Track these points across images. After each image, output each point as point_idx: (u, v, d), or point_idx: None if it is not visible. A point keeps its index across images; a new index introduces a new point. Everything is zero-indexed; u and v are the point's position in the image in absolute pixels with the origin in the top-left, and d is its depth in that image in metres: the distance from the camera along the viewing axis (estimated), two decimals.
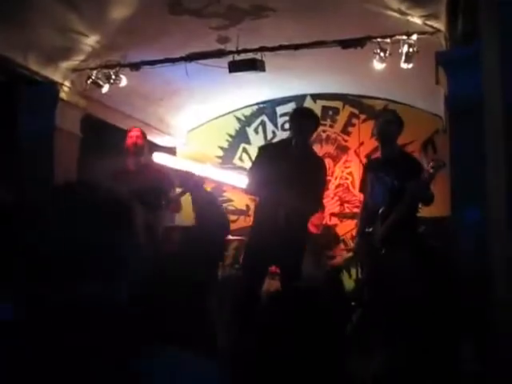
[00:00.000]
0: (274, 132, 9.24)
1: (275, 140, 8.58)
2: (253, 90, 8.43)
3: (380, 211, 5.14)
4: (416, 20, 5.81)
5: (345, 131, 8.90)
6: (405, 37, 5.91)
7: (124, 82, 6.91)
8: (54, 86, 6.94)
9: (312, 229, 7.29)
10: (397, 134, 5.38)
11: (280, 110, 9.20)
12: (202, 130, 9.53)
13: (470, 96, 5.04)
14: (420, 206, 5.37)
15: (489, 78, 2.40)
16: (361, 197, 8.30)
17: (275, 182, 5.15)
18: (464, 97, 5.24)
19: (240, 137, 9.24)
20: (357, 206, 8.23)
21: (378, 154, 6.48)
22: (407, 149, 7.03)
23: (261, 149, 5.67)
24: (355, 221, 7.36)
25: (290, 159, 5.22)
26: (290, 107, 9.07)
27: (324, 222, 7.70)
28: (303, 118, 5.41)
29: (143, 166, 5.89)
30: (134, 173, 5.82)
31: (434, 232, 6.43)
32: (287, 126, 9.05)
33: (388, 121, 5.39)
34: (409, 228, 5.04)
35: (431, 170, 4.81)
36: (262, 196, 5.47)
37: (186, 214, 6.98)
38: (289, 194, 5.06)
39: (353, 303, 6.63)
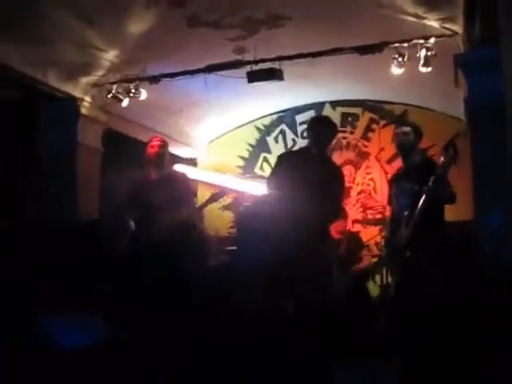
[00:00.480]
0: (294, 140, 9.25)
1: (295, 148, 8.59)
2: (272, 99, 8.45)
3: (404, 215, 5.12)
4: (433, 23, 5.79)
5: (365, 137, 8.89)
6: (422, 41, 5.90)
7: (144, 95, 6.96)
8: (74, 102, 7.02)
9: (336, 235, 7.29)
10: (415, 144, 5.34)
11: (299, 118, 9.21)
12: (222, 140, 9.57)
13: (490, 98, 5.02)
14: (444, 207, 5.28)
15: (508, 80, 2.39)
16: (383, 202, 8.34)
17: (295, 190, 5.17)
18: (484, 98, 5.22)
19: (260, 146, 9.27)
20: (380, 212, 8.22)
21: (398, 160, 6.47)
22: (428, 152, 7.00)
23: (279, 157, 5.67)
24: (378, 227, 7.35)
25: (309, 167, 5.23)
26: (309, 115, 9.07)
27: (347, 229, 7.67)
28: (321, 126, 5.41)
29: (165, 175, 5.88)
30: (156, 182, 5.82)
31: (458, 235, 6.39)
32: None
33: (404, 132, 5.36)
34: (434, 231, 4.99)
35: (443, 165, 4.77)
36: (282, 204, 5.47)
37: None
38: (309, 202, 5.07)
39: (378, 309, 6.61)
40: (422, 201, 4.85)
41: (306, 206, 5.06)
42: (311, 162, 5.30)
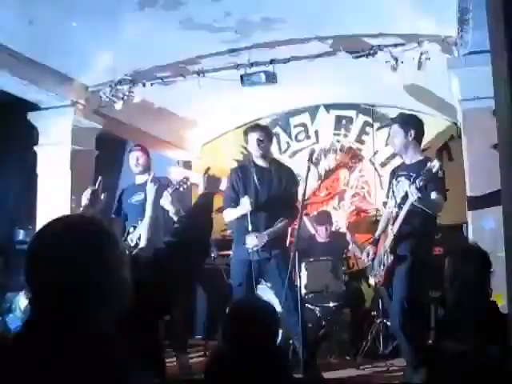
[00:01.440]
0: (288, 143, 9.26)
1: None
2: (266, 102, 8.45)
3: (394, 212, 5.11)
4: (427, 27, 5.80)
5: (359, 140, 8.90)
6: (416, 44, 5.90)
7: (138, 98, 6.96)
8: (68, 105, 6.99)
9: (320, 239, 7.30)
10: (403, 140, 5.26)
11: (294, 121, 9.23)
12: (216, 143, 9.58)
13: (484, 102, 5.04)
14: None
15: (500, 85, 2.40)
16: (378, 205, 8.35)
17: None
18: (477, 102, 5.24)
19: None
20: (374, 215, 8.22)
21: (393, 162, 6.48)
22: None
23: (231, 171, 5.86)
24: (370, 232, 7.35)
25: (253, 179, 5.56)
26: (303, 118, 9.11)
27: (333, 231, 7.64)
28: (253, 134, 5.66)
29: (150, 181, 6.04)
30: (140, 187, 5.96)
31: (450, 239, 6.40)
32: (301, 136, 9.11)
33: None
34: (418, 236, 4.96)
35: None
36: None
37: None
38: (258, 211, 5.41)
39: (373, 313, 6.62)
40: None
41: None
42: (254, 173, 5.59)
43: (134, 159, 6.10)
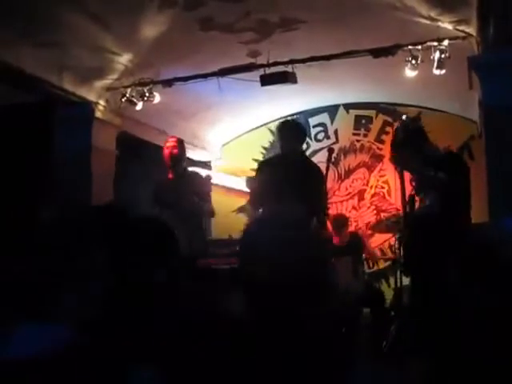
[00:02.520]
0: (307, 143, 9.24)
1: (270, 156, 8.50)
2: (285, 102, 8.46)
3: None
4: (446, 26, 5.77)
5: (379, 140, 8.87)
6: (436, 43, 5.88)
7: (157, 98, 6.99)
8: (89, 106, 7.05)
9: (337, 242, 7.27)
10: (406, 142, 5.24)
11: (313, 120, 9.22)
12: (236, 143, 9.59)
13: (505, 99, 5.01)
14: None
15: None
16: (398, 204, 8.33)
17: (274, 196, 5.29)
18: (498, 101, 5.20)
19: (274, 149, 9.25)
20: (394, 215, 8.18)
21: None
22: None
23: (257, 168, 5.79)
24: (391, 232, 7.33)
25: (282, 174, 5.33)
26: (322, 118, 9.10)
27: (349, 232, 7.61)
28: (284, 131, 5.56)
29: (181, 174, 5.98)
30: (173, 181, 5.91)
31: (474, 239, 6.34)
32: (321, 136, 9.10)
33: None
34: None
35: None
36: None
37: None
38: (287, 207, 5.20)
39: (392, 313, 6.59)
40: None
41: (284, 212, 5.17)
42: (284, 169, 5.39)
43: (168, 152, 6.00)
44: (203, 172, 7.70)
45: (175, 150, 5.95)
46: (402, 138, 5.19)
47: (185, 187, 5.80)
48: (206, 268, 5.80)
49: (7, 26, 5.47)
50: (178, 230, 5.58)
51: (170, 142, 6.00)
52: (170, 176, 5.97)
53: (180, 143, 6.02)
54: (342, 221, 7.48)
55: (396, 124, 8.66)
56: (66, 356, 1.75)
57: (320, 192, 5.51)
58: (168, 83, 6.91)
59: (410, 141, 5.11)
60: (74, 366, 1.74)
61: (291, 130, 5.59)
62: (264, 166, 5.77)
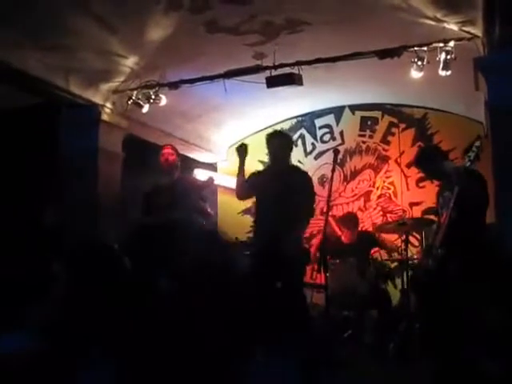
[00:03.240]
0: (313, 144, 9.26)
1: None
2: (291, 103, 8.47)
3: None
4: (452, 27, 5.77)
5: (384, 141, 8.87)
6: (442, 44, 5.87)
7: (164, 101, 7.01)
8: (95, 108, 7.08)
9: (346, 241, 7.28)
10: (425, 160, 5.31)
11: (319, 122, 9.22)
12: None
13: (511, 100, 5.00)
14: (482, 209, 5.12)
15: None
16: (404, 205, 8.37)
17: (263, 204, 5.62)
18: (504, 101, 5.19)
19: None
20: (400, 216, 8.18)
21: None
22: (449, 156, 6.95)
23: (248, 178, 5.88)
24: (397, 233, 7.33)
25: (270, 185, 5.55)
26: (328, 119, 9.10)
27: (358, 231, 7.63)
28: (274, 140, 5.72)
29: (176, 181, 6.11)
30: (167, 188, 6.03)
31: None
32: (326, 138, 9.10)
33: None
34: (468, 231, 4.89)
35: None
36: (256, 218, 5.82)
37: None
38: (275, 213, 5.39)
39: (399, 314, 6.58)
40: (454, 195, 4.79)
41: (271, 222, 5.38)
42: (271, 179, 5.60)
43: (164, 158, 6.17)
44: (207, 174, 7.75)
45: (170, 157, 6.13)
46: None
47: (177, 194, 5.91)
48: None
49: (14, 29, 5.49)
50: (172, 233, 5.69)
51: (166, 150, 6.20)
52: (164, 183, 6.12)
53: (175, 151, 6.21)
54: (352, 219, 7.49)
55: (402, 125, 8.71)
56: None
57: (306, 200, 5.59)
58: (174, 85, 6.92)
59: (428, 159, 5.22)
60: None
61: (278, 140, 5.75)
62: (255, 177, 5.90)
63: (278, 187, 5.51)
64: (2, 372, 1.76)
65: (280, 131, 6.20)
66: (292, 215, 5.40)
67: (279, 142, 5.72)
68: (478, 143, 4.80)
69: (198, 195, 6.18)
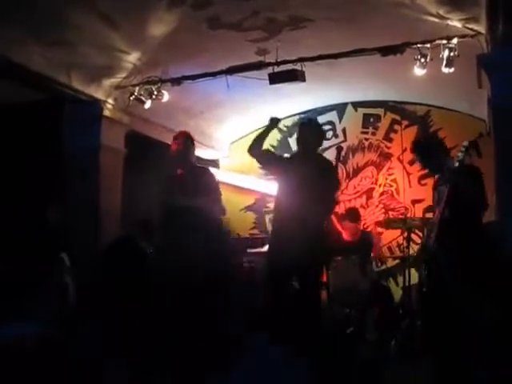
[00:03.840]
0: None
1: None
2: (293, 100, 8.45)
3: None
4: (455, 24, 5.75)
5: (387, 138, 8.85)
6: (445, 41, 5.85)
7: (166, 97, 7.00)
8: (97, 104, 7.07)
9: (347, 238, 7.27)
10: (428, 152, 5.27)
11: (321, 119, 9.16)
12: (244, 141, 9.56)
13: None
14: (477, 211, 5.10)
15: None
16: (406, 203, 8.36)
17: (288, 192, 5.44)
18: (508, 99, 5.18)
19: (282, 147, 9.25)
20: (402, 214, 8.18)
21: None
22: (452, 153, 6.94)
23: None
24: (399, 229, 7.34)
25: (298, 172, 5.41)
26: (331, 116, 9.09)
27: (360, 230, 7.65)
28: (305, 129, 5.61)
29: (189, 169, 5.91)
30: (181, 177, 5.86)
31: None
32: (329, 134, 9.09)
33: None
34: (460, 230, 4.88)
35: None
36: (278, 208, 5.64)
37: None
38: (300, 203, 5.24)
39: (401, 311, 6.59)
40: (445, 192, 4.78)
41: (299, 209, 5.23)
42: (300, 167, 5.45)
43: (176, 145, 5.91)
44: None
45: (180, 146, 5.90)
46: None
47: (195, 183, 5.77)
48: None
49: (16, 25, 5.48)
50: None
51: (178, 137, 5.97)
52: (179, 172, 5.94)
53: (187, 139, 5.97)
54: (352, 214, 7.49)
55: (404, 122, 8.70)
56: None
57: (332, 192, 5.54)
58: (176, 81, 6.91)
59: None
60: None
61: (310, 129, 5.62)
62: (284, 160, 5.83)
63: (308, 175, 5.37)
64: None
65: (313, 120, 6.09)
66: (318, 206, 5.28)
67: (310, 131, 5.61)
68: (465, 143, 4.77)
69: (216, 184, 6.04)
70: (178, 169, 5.92)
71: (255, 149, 5.80)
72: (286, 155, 6.19)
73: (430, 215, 7.59)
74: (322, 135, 5.78)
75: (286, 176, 5.57)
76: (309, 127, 5.66)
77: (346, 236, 7.29)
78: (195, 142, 6.01)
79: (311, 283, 5.25)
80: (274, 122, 5.82)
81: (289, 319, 5.03)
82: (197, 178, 5.82)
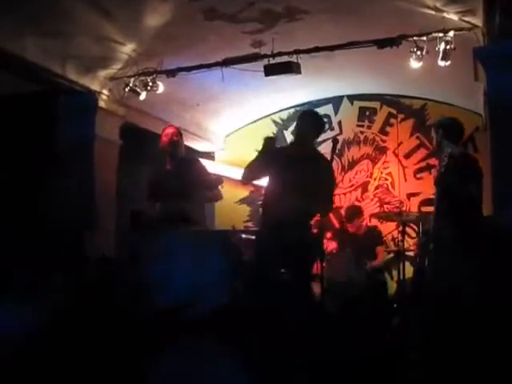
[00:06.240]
0: None
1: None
2: (289, 93, 8.43)
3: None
4: (452, 16, 5.74)
5: (383, 131, 8.84)
6: (441, 34, 5.84)
7: (161, 88, 6.97)
8: (92, 95, 7.04)
9: (351, 229, 7.28)
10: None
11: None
12: (239, 134, 9.56)
13: (510, 91, 4.98)
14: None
15: None
16: (401, 197, 8.35)
17: (278, 183, 5.34)
18: (504, 92, 5.17)
19: (278, 140, 9.20)
20: (397, 207, 8.18)
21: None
22: None
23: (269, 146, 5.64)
24: (395, 222, 7.35)
25: (292, 165, 5.26)
26: (327, 109, 9.05)
27: (365, 223, 7.67)
28: (303, 121, 5.48)
29: (180, 162, 5.92)
30: (172, 170, 5.88)
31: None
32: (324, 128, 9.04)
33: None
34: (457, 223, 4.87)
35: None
36: (267, 199, 5.52)
37: None
38: (290, 195, 5.12)
39: (395, 305, 6.59)
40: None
41: (289, 204, 5.12)
42: (294, 159, 5.29)
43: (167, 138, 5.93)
44: (205, 163, 7.71)
45: (175, 137, 5.91)
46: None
47: (187, 173, 5.77)
48: None
49: (10, 15, 5.45)
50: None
51: (170, 129, 5.98)
52: (168, 166, 5.95)
53: (177, 131, 5.99)
54: (354, 210, 7.51)
55: (400, 116, 8.68)
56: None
57: (330, 185, 5.46)
58: (171, 73, 6.88)
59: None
60: None
61: (308, 120, 5.49)
62: (277, 151, 5.67)
63: (301, 168, 5.24)
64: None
65: (314, 111, 5.99)
66: (310, 201, 5.12)
67: (312, 120, 5.48)
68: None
69: (204, 172, 6.00)
70: (166, 163, 5.94)
71: (247, 178, 5.74)
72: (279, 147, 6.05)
73: (425, 209, 7.67)
74: (321, 127, 5.66)
75: (277, 168, 5.43)
76: (311, 116, 5.56)
77: (350, 228, 7.33)
78: (192, 135, 6.03)
79: (300, 273, 5.21)
80: (270, 143, 5.63)
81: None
82: (186, 170, 5.83)
